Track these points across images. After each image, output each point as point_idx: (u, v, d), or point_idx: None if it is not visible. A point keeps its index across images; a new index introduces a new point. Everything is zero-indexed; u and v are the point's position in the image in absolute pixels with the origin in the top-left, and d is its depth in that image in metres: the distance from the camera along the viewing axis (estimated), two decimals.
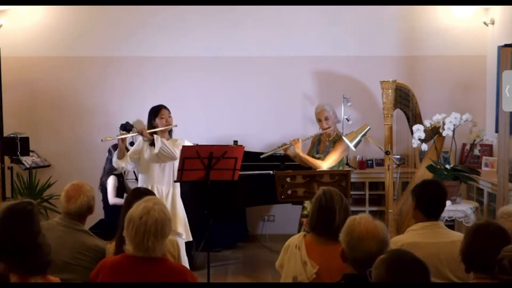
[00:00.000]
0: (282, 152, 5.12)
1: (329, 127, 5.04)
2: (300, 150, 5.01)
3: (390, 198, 5.51)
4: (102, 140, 4.72)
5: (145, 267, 2.59)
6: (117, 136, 4.65)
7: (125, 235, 2.63)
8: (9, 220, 2.44)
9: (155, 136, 4.58)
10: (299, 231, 5.01)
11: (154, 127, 4.69)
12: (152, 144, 4.59)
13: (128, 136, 4.74)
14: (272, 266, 3.54)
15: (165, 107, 4.77)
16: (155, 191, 4.57)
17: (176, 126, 4.79)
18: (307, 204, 4.94)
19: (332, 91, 6.52)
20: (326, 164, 4.96)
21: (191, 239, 4.81)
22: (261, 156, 5.11)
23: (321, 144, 5.17)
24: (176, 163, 4.56)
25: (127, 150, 4.85)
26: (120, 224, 2.94)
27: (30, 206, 2.51)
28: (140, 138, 4.78)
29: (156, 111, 4.74)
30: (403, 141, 6.13)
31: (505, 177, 4.69)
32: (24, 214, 2.47)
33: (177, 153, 4.57)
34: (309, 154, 5.17)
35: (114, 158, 4.69)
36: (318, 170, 4.88)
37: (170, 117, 4.75)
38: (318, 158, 5.04)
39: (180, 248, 3.39)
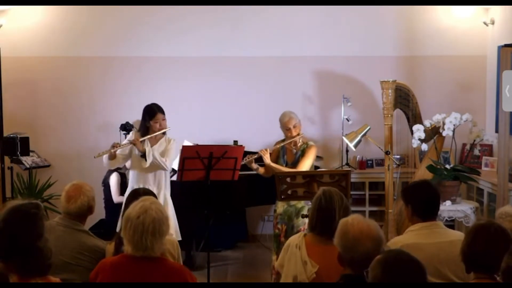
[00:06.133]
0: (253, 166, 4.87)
1: (298, 134, 4.92)
2: (270, 161, 4.83)
3: (390, 198, 5.52)
4: (95, 157, 4.65)
5: (145, 267, 2.58)
6: (111, 149, 4.56)
7: (123, 235, 2.63)
8: (11, 220, 2.43)
9: (146, 149, 4.58)
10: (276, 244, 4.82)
11: (148, 128, 4.70)
12: (143, 156, 4.59)
13: (120, 149, 4.63)
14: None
15: (160, 111, 4.73)
16: None
17: (169, 129, 4.77)
18: (279, 204, 4.83)
19: (332, 91, 6.52)
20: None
21: (179, 238, 4.75)
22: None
23: (287, 154, 4.95)
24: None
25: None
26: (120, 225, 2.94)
27: (35, 209, 2.49)
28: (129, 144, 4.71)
29: (151, 115, 4.70)
30: (403, 141, 6.13)
31: (505, 177, 4.69)
32: (27, 216, 2.45)
33: (168, 164, 4.64)
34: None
35: (105, 161, 4.65)
36: (316, 171, 4.86)
37: (164, 119, 4.73)
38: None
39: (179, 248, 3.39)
